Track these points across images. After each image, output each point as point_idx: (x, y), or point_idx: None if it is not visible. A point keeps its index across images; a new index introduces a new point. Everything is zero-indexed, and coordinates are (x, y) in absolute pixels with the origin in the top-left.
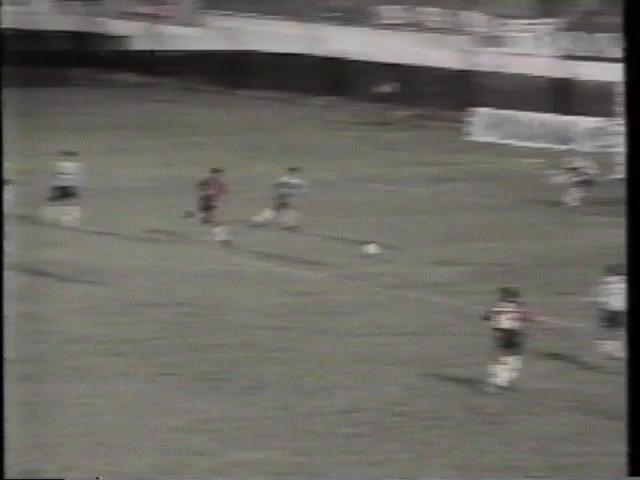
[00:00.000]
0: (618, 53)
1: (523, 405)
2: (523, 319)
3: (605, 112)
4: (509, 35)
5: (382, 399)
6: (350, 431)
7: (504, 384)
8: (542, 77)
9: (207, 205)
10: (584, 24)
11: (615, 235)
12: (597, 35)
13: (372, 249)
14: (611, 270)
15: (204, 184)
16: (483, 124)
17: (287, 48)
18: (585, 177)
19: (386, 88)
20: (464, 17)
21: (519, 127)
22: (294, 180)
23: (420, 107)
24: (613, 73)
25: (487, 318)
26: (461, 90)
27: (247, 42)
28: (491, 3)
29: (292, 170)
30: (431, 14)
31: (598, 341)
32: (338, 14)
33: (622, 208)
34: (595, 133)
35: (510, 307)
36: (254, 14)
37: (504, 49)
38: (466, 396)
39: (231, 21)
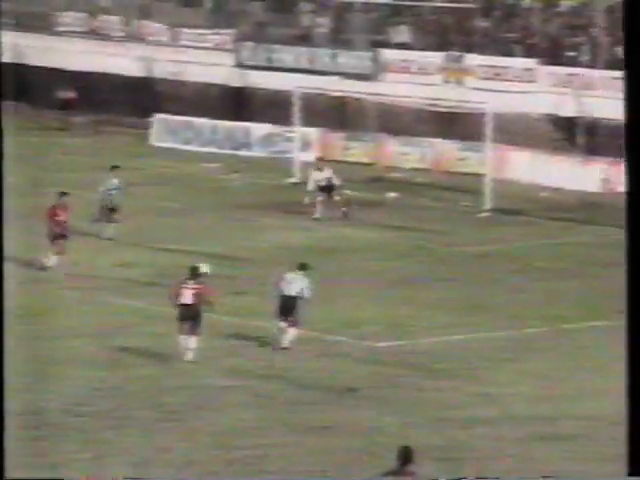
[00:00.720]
0: (291, 63)
1: (203, 401)
2: (201, 295)
3: (278, 119)
4: (188, 44)
5: (64, 400)
6: (33, 434)
7: (189, 358)
8: (220, 85)
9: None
10: (257, 35)
11: (291, 237)
12: (270, 46)
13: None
14: (294, 268)
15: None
16: (163, 130)
17: None
18: (329, 183)
19: (66, 94)
20: (144, 26)
21: (198, 133)
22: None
23: (101, 114)
24: (285, 82)
25: (173, 296)
26: (141, 97)
27: None
28: (170, 13)
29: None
30: (112, 22)
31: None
32: (13, 20)
33: (297, 210)
34: (269, 139)
35: (192, 285)
36: None
37: (183, 58)
38: (148, 394)
39: None
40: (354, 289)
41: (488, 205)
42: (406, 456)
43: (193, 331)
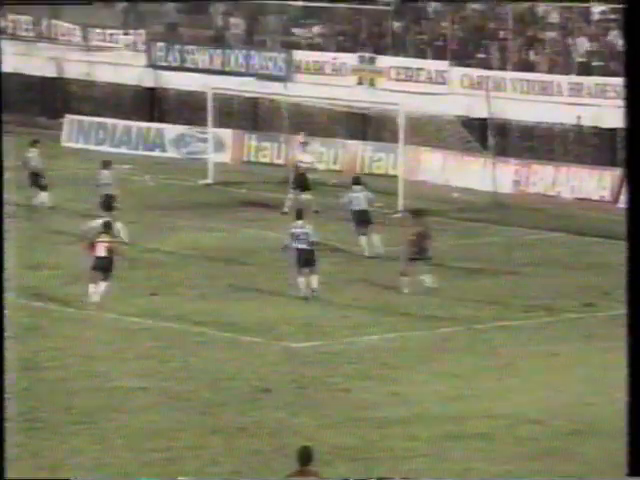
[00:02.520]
0: (204, 64)
1: (115, 403)
2: (113, 249)
3: (191, 120)
4: (100, 44)
5: None
6: None
7: (94, 300)
8: (132, 85)
9: None
10: (170, 35)
11: (205, 238)
12: (183, 46)
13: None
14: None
15: None
16: (74, 131)
17: None
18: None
19: None
20: (55, 26)
21: (110, 134)
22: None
23: (10, 114)
24: (198, 83)
25: (87, 249)
26: (52, 98)
27: None
28: (81, 13)
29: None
30: (22, 22)
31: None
32: None
33: (211, 212)
34: (182, 140)
35: (106, 239)
36: None
37: (95, 58)
38: (59, 396)
39: None
40: (269, 290)
41: (401, 206)
42: (306, 456)
43: (104, 278)
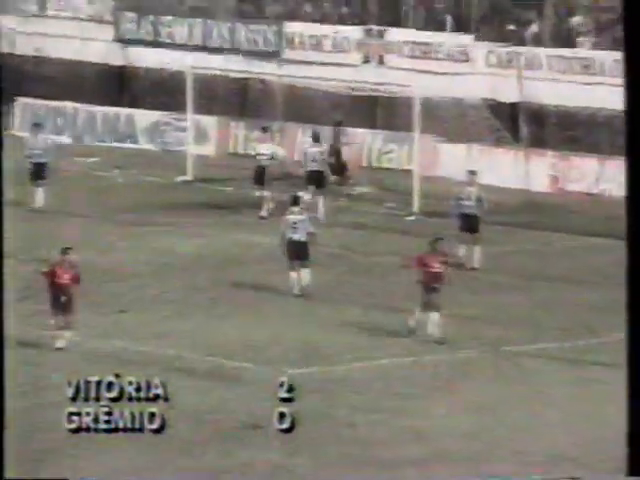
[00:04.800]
0: (182, 38)
1: (80, 437)
2: (73, 278)
3: (167, 105)
4: (58, 14)
5: None
6: None
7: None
8: (97, 64)
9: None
10: (142, 4)
11: (181, 245)
12: (158, 17)
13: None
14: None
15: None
16: (27, 117)
17: None
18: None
19: None
20: None
21: (70, 121)
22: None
23: None
24: (175, 60)
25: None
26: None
27: None
28: None
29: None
30: None
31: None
32: None
33: (191, 214)
34: (156, 129)
35: (66, 267)
36: None
37: (52, 30)
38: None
39: None
40: (256, 306)
41: (416, 207)
42: None
43: (67, 310)
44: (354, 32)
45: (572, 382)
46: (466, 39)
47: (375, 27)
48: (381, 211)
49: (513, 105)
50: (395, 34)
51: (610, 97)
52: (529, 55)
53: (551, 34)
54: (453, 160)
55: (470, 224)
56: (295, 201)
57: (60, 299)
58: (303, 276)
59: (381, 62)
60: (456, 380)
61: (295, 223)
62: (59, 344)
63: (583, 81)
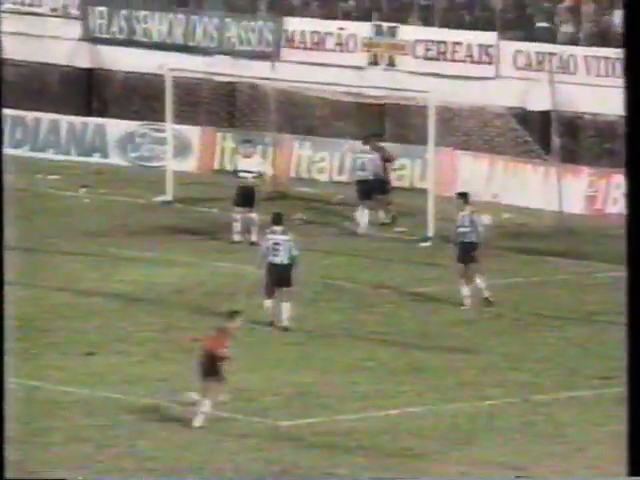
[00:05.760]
0: (161, 36)
1: None
2: None
3: (143, 113)
4: (15, 9)
5: None
6: None
7: None
8: (61, 66)
9: None
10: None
11: (159, 275)
12: (132, 12)
13: None
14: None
15: None
16: None
17: None
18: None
19: None
20: None
21: (31, 132)
22: None
23: None
24: (152, 61)
25: None
26: None
27: None
28: None
29: None
30: None
31: None
32: None
33: (170, 239)
34: (131, 141)
35: None
36: None
37: (8, 28)
38: None
39: None
40: (247, 346)
41: (431, 231)
42: None
43: None
44: (361, 29)
45: (611, 437)
46: (490, 37)
47: (385, 23)
48: (390, 235)
49: (544, 114)
50: (408, 32)
51: None
52: (563, 56)
53: (588, 32)
54: (474, 177)
55: (465, 253)
56: (277, 220)
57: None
58: (284, 308)
59: (391, 64)
60: (478, 433)
61: (277, 244)
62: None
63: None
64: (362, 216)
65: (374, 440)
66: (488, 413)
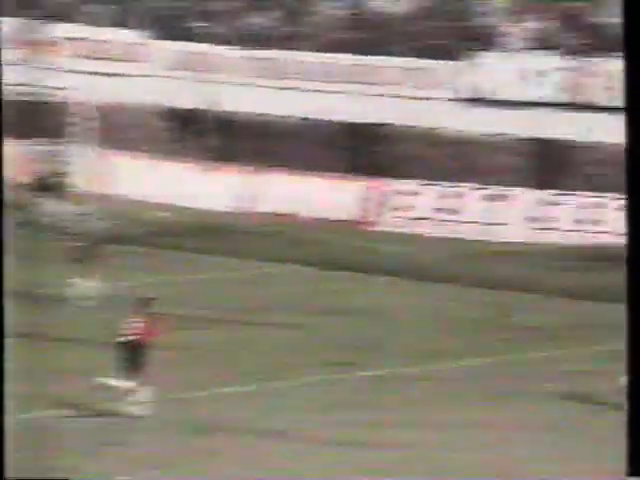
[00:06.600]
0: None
1: None
2: None
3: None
4: None
5: None
6: None
7: None
8: None
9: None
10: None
11: None
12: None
13: None
14: None
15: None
16: None
17: None
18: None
19: None
20: None
21: None
22: None
23: None
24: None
25: None
26: None
27: None
28: None
29: None
30: None
31: None
32: None
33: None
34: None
35: None
36: None
37: None
38: None
39: None
40: None
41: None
42: None
43: None
44: (8, 24)
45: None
46: (139, 36)
47: (35, 20)
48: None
49: (193, 112)
50: (59, 29)
51: (304, 102)
52: (211, 56)
53: (239, 32)
54: (130, 175)
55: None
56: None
57: None
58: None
59: (42, 61)
60: None
61: None
62: None
63: (277, 86)
64: None
65: None
66: None
